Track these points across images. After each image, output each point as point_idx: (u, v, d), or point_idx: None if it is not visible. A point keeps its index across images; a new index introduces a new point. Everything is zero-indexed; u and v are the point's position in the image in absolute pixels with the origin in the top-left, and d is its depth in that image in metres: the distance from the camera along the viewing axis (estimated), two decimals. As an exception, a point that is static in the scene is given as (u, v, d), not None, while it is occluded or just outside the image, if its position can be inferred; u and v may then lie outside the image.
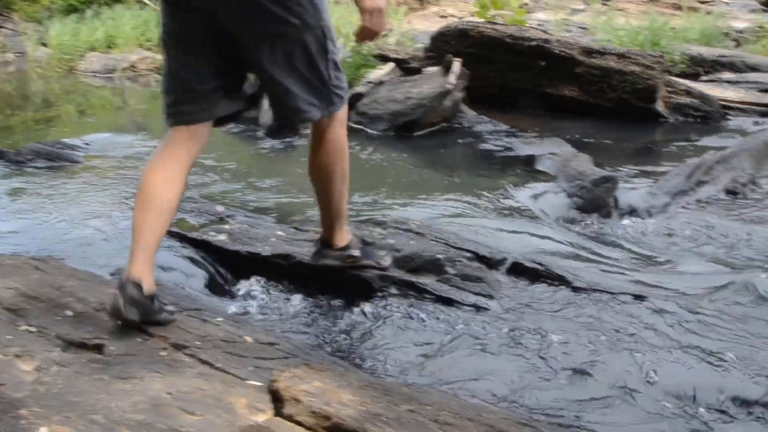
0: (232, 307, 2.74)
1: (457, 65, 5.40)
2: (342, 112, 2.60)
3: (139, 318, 2.16)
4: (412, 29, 9.79)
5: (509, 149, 4.78)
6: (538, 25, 10.49)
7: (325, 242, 2.81)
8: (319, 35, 2.42)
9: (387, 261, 2.90)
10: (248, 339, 2.27)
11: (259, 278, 2.89)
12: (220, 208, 3.54)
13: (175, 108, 2.42)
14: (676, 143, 5.14)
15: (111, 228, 3.33)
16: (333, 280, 2.84)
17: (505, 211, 3.71)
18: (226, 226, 3.26)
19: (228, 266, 3.01)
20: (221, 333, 2.26)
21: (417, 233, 3.17)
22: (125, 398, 1.76)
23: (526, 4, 9.37)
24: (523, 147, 4.76)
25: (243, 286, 2.89)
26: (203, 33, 2.36)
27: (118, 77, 7.99)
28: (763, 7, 12.59)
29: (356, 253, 2.84)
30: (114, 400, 1.75)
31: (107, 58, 8.69)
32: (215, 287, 2.91)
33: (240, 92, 2.55)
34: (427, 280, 2.83)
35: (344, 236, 2.81)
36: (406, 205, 3.77)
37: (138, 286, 2.18)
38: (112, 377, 1.87)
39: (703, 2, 13.43)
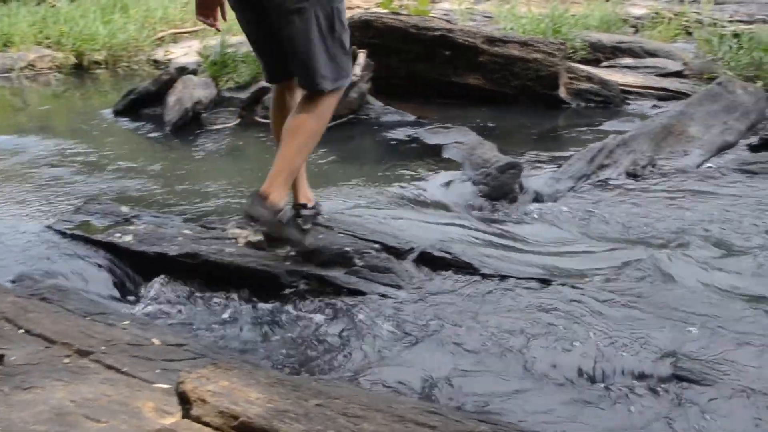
0: (140, 310, 2.70)
1: (361, 57, 5.40)
2: (340, 92, 2.95)
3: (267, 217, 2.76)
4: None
5: (416, 139, 4.82)
6: (444, 14, 10.54)
7: (260, 195, 2.81)
8: (329, 14, 2.77)
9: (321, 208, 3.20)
10: (156, 341, 2.24)
11: (167, 278, 2.85)
12: (125, 209, 3.47)
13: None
14: (578, 128, 5.26)
15: (12, 233, 3.24)
16: (241, 277, 2.83)
17: (413, 201, 3.74)
18: (132, 227, 3.20)
19: (135, 268, 2.96)
20: (128, 337, 2.23)
21: (325, 227, 3.17)
22: (27, 409, 1.71)
23: (430, -7, 9.41)
24: (429, 136, 4.80)
25: (151, 288, 2.84)
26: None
27: (15, 77, 7.73)
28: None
29: (280, 213, 2.82)
30: (15, 412, 1.69)
31: (3, 57, 8.40)
32: (122, 290, 2.86)
33: None
34: (336, 273, 2.84)
35: (281, 193, 2.84)
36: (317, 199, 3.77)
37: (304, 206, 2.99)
38: (13, 388, 1.81)
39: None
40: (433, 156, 4.50)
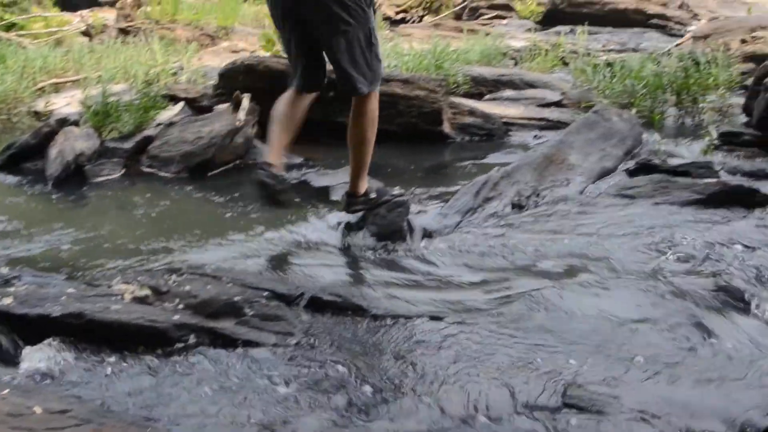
0: (22, 376, 2.59)
1: (246, 101, 5.39)
2: (377, 92, 3.73)
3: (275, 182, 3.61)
4: (203, 66, 9.68)
5: (304, 182, 4.82)
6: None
7: (351, 194, 3.85)
8: (367, 33, 3.55)
9: (399, 192, 3.99)
10: (38, 410, 2.15)
11: (51, 341, 2.74)
12: (4, 270, 3.35)
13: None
14: (463, 162, 5.36)
15: None
16: (129, 335, 2.76)
17: (302, 246, 3.74)
18: (12, 289, 3.07)
19: (17, 331, 2.84)
20: (7, 407, 2.13)
21: (213, 277, 3.14)
22: None
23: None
24: (317, 178, 4.81)
25: (34, 352, 2.73)
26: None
27: None
28: (536, 26, 13.42)
29: (373, 195, 3.86)
30: None
31: None
32: (2, 356, 2.74)
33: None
34: (226, 324, 2.80)
35: (364, 185, 3.84)
36: (202, 249, 3.72)
37: (269, 165, 3.67)
38: None
39: (483, 24, 14.16)
40: (321, 198, 4.51)
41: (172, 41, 10.39)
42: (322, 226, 3.95)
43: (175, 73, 8.31)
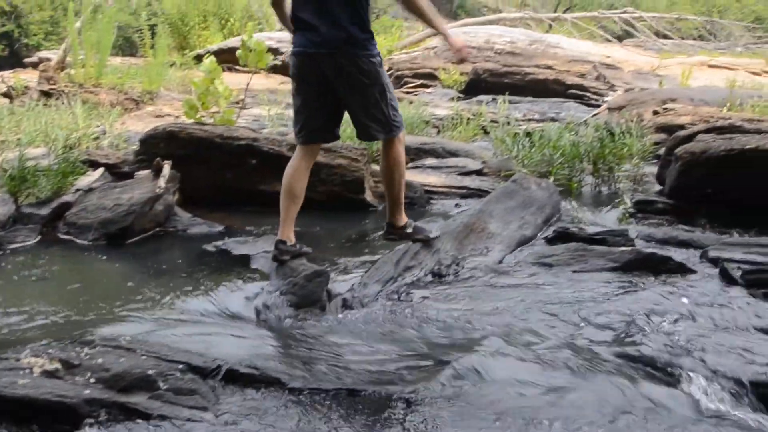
0: None
1: (166, 168, 5.35)
2: (400, 136, 4.27)
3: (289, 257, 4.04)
4: (126, 131, 9.59)
5: (224, 250, 4.77)
6: (254, 120, 10.69)
7: (389, 224, 4.41)
8: (381, 90, 4.12)
9: (436, 233, 4.57)
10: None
11: (-48, 421, 2.64)
12: None
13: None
14: (384, 231, 5.38)
15: None
16: (37, 410, 2.66)
17: (221, 316, 3.69)
18: None
19: None
20: None
21: (127, 349, 3.06)
22: None
23: (242, 100, 9.52)
24: (237, 247, 4.76)
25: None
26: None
27: None
28: (459, 95, 13.67)
29: (410, 230, 4.42)
30: None
31: None
32: None
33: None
34: (139, 399, 2.73)
35: (402, 218, 4.40)
36: (117, 320, 3.63)
37: (284, 242, 4.09)
38: None
39: (408, 93, 14.38)
40: (241, 267, 4.46)
41: (95, 105, 10.28)
42: (241, 296, 3.90)
43: (97, 138, 8.22)
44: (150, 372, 2.86)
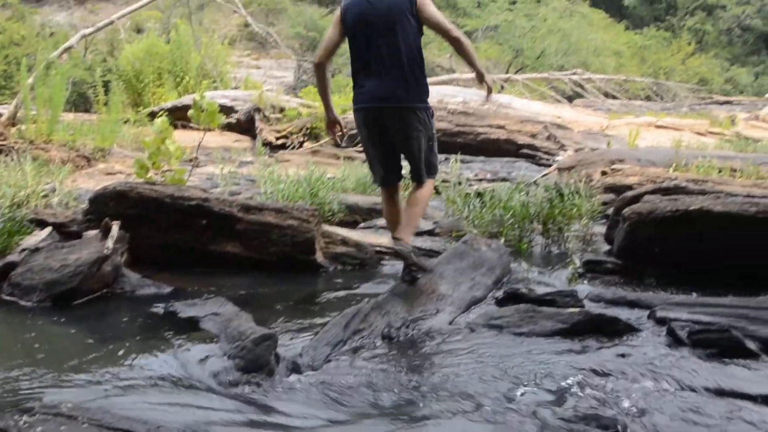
0: None
1: (115, 228, 5.29)
2: (434, 178, 5.41)
3: (407, 251, 5.00)
4: (77, 188, 9.49)
5: (173, 313, 4.69)
6: (207, 178, 10.66)
7: (397, 238, 5.06)
8: (431, 137, 5.21)
9: (431, 264, 5.31)
10: None
11: None
12: None
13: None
14: (335, 292, 5.35)
15: None
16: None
17: (166, 381, 3.61)
18: None
19: None
20: None
21: (69, 416, 2.98)
22: None
23: (195, 158, 9.48)
24: (186, 309, 4.70)
25: None
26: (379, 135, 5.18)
27: None
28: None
29: (408, 249, 5.05)
30: None
31: None
32: None
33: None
34: (78, 470, 2.66)
35: (410, 238, 5.18)
36: (60, 386, 3.54)
37: (401, 240, 4.99)
38: None
39: (361, 152, 14.45)
40: (189, 330, 4.39)
41: (46, 162, 10.17)
42: (188, 361, 3.83)
43: (46, 196, 8.11)
44: (91, 441, 2.79)
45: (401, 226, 5.14)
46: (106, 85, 17.61)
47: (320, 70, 5.21)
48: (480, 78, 5.26)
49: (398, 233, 5.07)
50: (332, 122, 5.42)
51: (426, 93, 5.13)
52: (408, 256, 5.01)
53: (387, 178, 5.34)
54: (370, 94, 5.02)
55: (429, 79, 5.31)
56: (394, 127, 5.06)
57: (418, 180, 5.27)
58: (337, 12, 5.19)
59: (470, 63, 5.15)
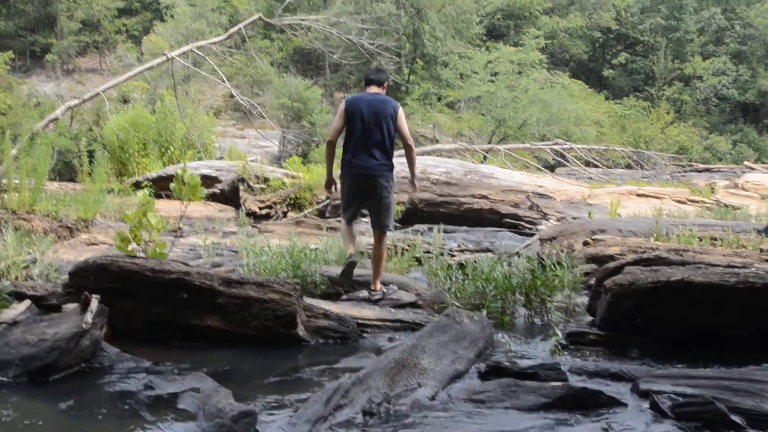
0: None
1: (94, 303, 5.23)
2: (390, 233, 7.71)
3: (354, 261, 7.19)
4: (58, 259, 9.44)
5: (151, 388, 4.63)
6: (190, 249, 10.64)
7: (372, 290, 7.27)
8: (391, 201, 7.44)
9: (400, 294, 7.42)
10: None
11: None
12: None
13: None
14: (316, 367, 5.29)
15: None
16: None
17: (143, 461, 3.56)
18: None
19: None
20: None
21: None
22: None
23: (180, 229, 9.48)
24: (165, 385, 4.63)
25: None
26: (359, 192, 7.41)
27: None
28: (397, 225, 13.78)
29: (382, 291, 7.29)
30: None
31: None
32: None
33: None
34: None
35: (378, 284, 7.35)
36: (34, 466, 3.48)
37: (353, 256, 7.19)
38: None
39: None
40: (167, 406, 4.32)
41: (28, 232, 10.13)
42: (166, 439, 3.78)
43: (27, 267, 8.07)
44: None
45: (372, 277, 7.43)
46: (91, 154, 17.69)
47: (330, 147, 7.55)
48: (412, 185, 7.87)
49: (373, 286, 7.41)
50: (330, 182, 7.66)
51: (392, 169, 7.43)
52: (352, 266, 7.18)
53: (354, 217, 7.54)
54: (358, 165, 7.30)
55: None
56: (368, 194, 7.40)
57: (382, 229, 7.45)
58: (342, 106, 7.42)
59: (411, 167, 7.64)
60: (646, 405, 4.32)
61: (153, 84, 30.35)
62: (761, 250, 8.55)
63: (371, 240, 7.89)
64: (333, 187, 7.64)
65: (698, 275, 5.61)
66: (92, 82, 33.57)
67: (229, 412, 3.77)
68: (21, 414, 4.31)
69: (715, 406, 4.03)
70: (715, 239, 9.23)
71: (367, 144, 7.23)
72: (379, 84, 7.59)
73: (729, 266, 6.38)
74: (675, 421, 4.03)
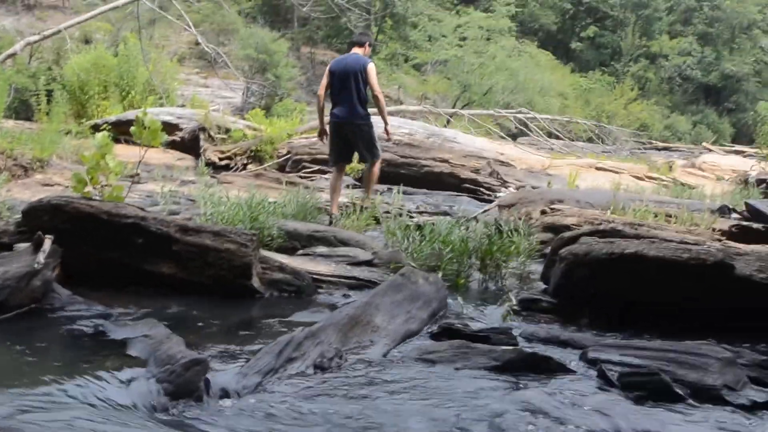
0: None
1: (47, 243, 5.15)
2: (379, 159, 10.08)
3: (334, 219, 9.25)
4: (11, 198, 9.30)
5: (102, 332, 4.60)
6: (147, 196, 10.53)
7: (333, 213, 9.28)
8: (372, 136, 9.75)
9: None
10: None
11: None
12: None
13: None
14: (270, 319, 5.29)
15: None
16: None
17: (89, 403, 3.51)
18: None
19: None
20: None
21: (-15, 439, 2.89)
22: None
23: (138, 174, 9.36)
24: (116, 330, 4.59)
25: None
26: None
27: None
28: (355, 182, 13.79)
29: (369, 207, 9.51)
30: None
31: None
32: None
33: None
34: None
35: (370, 199, 9.89)
36: (-23, 403, 3.43)
37: (332, 214, 9.25)
38: None
39: (304, 177, 14.42)
40: (118, 351, 4.29)
41: (-20, 169, 9.95)
42: (114, 383, 3.73)
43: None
44: (7, 463, 2.70)
45: (364, 192, 10.06)
46: (50, 94, 17.34)
47: (319, 100, 9.98)
48: (386, 132, 9.98)
49: (366, 197, 9.88)
50: (323, 131, 10.03)
51: (368, 114, 9.50)
52: (331, 221, 8.85)
53: (340, 160, 9.70)
54: (340, 112, 9.44)
55: (375, 110, 9.70)
56: (351, 133, 9.53)
57: (369, 159, 9.84)
58: (327, 68, 9.59)
59: (382, 116, 9.62)
60: (593, 373, 4.38)
61: (117, 26, 29.71)
62: (714, 230, 8.69)
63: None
64: (324, 135, 9.87)
65: (652, 249, 5.69)
66: (54, 19, 32.69)
67: (180, 359, 3.75)
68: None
69: (660, 377, 4.10)
70: (670, 216, 9.36)
71: (342, 96, 9.31)
72: (360, 45, 9.50)
73: (682, 242, 6.47)
74: (621, 390, 4.10)
